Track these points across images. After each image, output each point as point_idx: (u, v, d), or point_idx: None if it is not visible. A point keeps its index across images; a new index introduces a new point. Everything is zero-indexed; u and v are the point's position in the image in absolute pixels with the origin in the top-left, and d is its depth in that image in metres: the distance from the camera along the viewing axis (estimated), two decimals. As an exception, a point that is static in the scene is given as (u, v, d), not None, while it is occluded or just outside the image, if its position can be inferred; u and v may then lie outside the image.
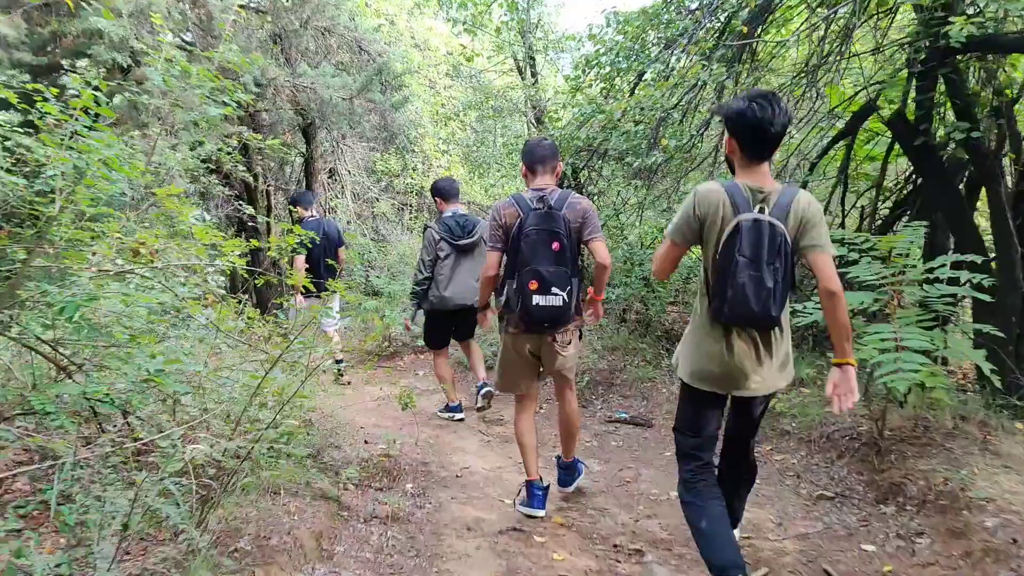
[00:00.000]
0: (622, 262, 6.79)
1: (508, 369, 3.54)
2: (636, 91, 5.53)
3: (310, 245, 3.52)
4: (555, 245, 3.14)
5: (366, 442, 4.90)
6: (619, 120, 6.09)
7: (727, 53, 4.99)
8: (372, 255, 10.27)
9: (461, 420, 5.53)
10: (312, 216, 6.42)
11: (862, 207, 5.87)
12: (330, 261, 5.86)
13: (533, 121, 8.21)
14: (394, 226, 12.19)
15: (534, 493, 3.49)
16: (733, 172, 2.52)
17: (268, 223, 10.79)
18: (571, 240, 3.19)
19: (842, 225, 5.29)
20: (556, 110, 6.71)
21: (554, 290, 3.13)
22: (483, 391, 5.37)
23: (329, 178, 12.27)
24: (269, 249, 4.00)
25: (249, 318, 4.04)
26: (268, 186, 10.29)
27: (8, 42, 6.09)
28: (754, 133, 2.36)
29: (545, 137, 3.70)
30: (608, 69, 6.41)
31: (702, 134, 5.78)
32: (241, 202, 6.47)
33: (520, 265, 3.16)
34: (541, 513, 3.46)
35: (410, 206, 12.22)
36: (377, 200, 12.36)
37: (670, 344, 6.75)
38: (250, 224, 9.14)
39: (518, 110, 8.62)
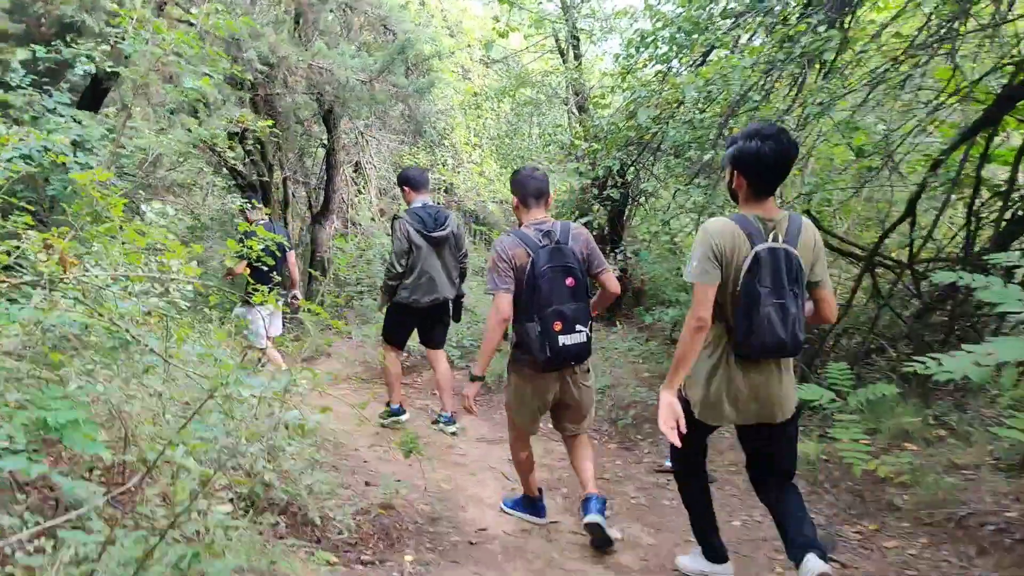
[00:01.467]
0: (672, 274, 5.92)
1: (525, 410, 3.44)
2: (703, 71, 4.63)
3: (279, 253, 2.83)
4: (569, 281, 3.12)
5: (367, 484, 4.15)
6: (676, 107, 5.22)
7: (815, 25, 4.07)
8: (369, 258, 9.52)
9: (405, 421, 5.30)
10: (263, 220, 5.99)
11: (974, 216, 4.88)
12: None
13: (575, 110, 7.39)
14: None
15: (538, 504, 3.72)
16: (737, 202, 2.58)
17: (285, 220, 10.17)
18: (583, 273, 3.19)
19: (971, 240, 4.32)
20: (603, 95, 5.85)
21: (578, 327, 3.12)
22: (450, 427, 5.19)
23: (354, 172, 11.61)
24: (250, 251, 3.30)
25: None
26: (284, 178, 9.61)
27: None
28: (768, 171, 2.44)
29: (535, 167, 3.48)
30: (665, 49, 5.54)
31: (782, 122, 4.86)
32: (238, 194, 5.75)
33: (539, 306, 3.08)
34: (544, 520, 3.62)
35: (438, 203, 11.48)
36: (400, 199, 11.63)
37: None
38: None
39: (558, 96, 7.76)
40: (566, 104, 7.68)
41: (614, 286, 3.34)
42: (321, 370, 7.05)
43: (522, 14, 7.54)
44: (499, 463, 4.74)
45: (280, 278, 5.86)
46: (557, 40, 7.76)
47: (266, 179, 8.62)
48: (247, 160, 8.66)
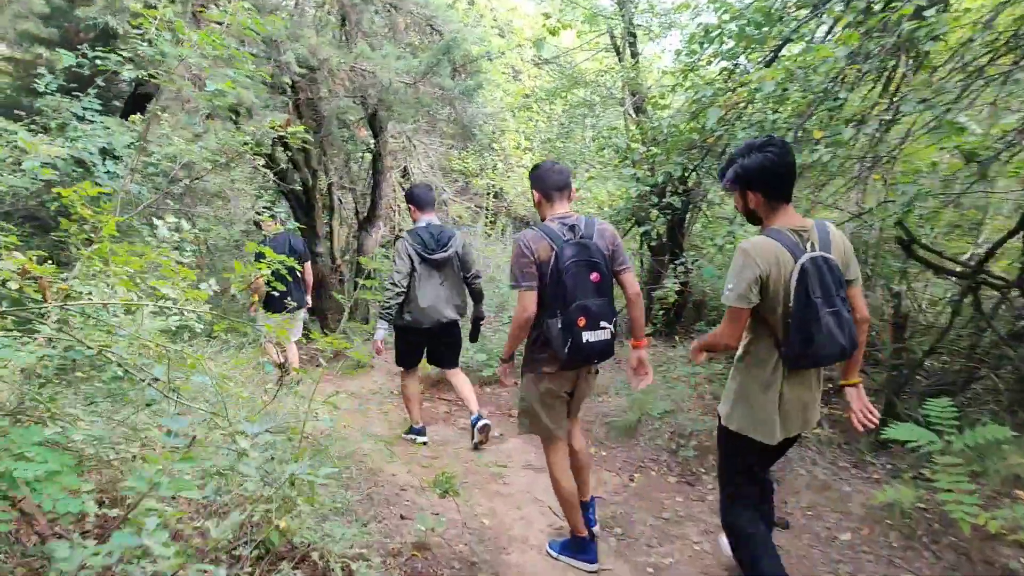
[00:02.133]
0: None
1: (546, 411, 3.30)
2: (774, 69, 4.17)
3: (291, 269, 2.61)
4: (594, 276, 3.04)
5: (402, 516, 3.86)
6: (744, 108, 4.76)
7: (921, 9, 3.57)
8: None
9: (425, 444, 5.24)
10: (277, 231, 6.33)
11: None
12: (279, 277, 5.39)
13: (631, 111, 6.98)
14: (469, 231, 11.18)
15: (589, 547, 3.45)
16: (757, 223, 2.59)
17: (330, 227, 10.04)
18: (608, 269, 3.12)
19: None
20: (663, 95, 5.43)
21: (602, 324, 3.04)
22: (479, 425, 5.12)
23: (402, 177, 11.44)
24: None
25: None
26: (330, 184, 9.46)
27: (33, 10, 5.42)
28: (778, 179, 2.46)
29: (556, 160, 3.52)
30: (732, 44, 5.09)
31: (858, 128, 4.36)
32: (282, 200, 5.60)
33: (563, 302, 3.00)
34: (595, 567, 3.37)
35: (486, 209, 11.18)
36: (452, 202, 11.41)
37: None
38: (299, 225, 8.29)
39: (613, 97, 7.35)
40: (622, 105, 7.27)
41: (634, 287, 3.25)
42: (359, 386, 6.80)
43: (575, 10, 7.18)
44: (546, 494, 4.37)
45: (291, 293, 6.02)
46: (612, 37, 7.35)
47: (310, 185, 8.46)
48: (290, 166, 8.53)
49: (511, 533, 3.88)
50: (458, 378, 5.28)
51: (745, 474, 2.76)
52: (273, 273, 5.84)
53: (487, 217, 11.53)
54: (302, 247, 6.40)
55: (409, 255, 4.73)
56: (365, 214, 10.06)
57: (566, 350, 3.00)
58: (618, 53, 7.40)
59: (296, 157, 8.44)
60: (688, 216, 6.77)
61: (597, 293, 3.03)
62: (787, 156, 2.44)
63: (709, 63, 5.08)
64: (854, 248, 2.75)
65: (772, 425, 2.55)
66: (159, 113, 4.18)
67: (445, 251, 4.82)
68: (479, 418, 5.13)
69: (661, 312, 6.72)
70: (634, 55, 7.10)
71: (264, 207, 6.55)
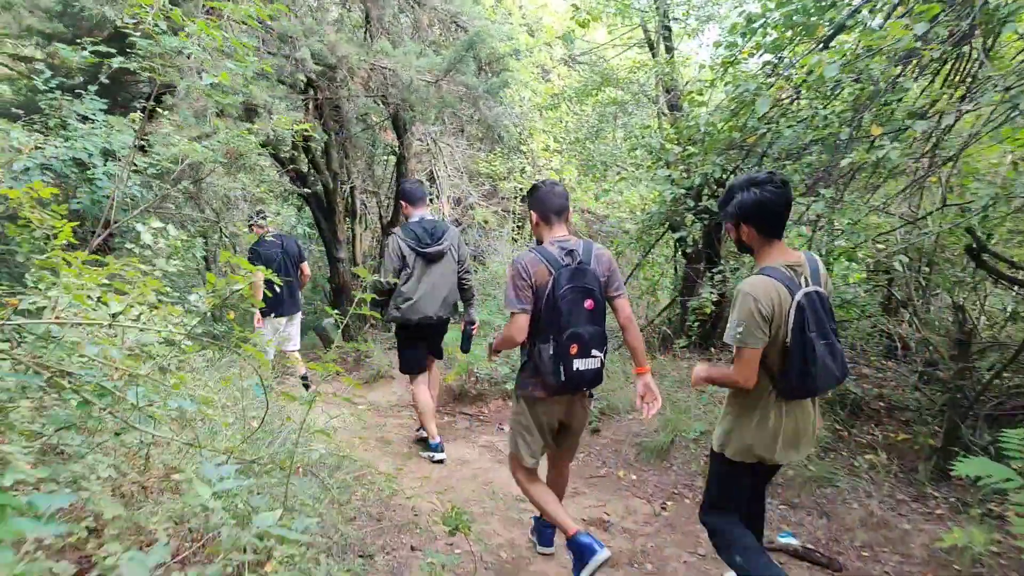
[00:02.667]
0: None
1: (532, 436, 3.28)
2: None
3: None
4: (588, 303, 3.03)
5: (413, 548, 3.58)
6: (790, 103, 4.39)
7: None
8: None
9: (441, 462, 5.05)
10: (270, 233, 6.25)
11: None
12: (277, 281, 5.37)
13: (665, 109, 6.60)
14: (495, 236, 10.89)
15: (585, 543, 3.16)
16: (748, 252, 2.66)
17: (353, 232, 9.83)
18: (603, 296, 3.12)
19: None
20: (701, 90, 5.05)
21: (593, 352, 3.04)
22: (436, 456, 5.03)
23: (429, 181, 11.20)
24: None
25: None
26: (352, 187, 9.25)
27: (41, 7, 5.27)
28: (774, 216, 2.53)
29: (557, 182, 3.31)
30: (776, 36, 4.71)
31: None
32: (263, 206, 5.40)
33: (557, 328, 2.99)
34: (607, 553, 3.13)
35: (514, 213, 10.87)
36: (479, 206, 11.13)
37: (863, 423, 4.93)
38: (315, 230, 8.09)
39: (646, 95, 6.97)
40: (655, 104, 6.91)
41: (627, 312, 3.22)
42: (379, 396, 6.52)
43: (607, 2, 6.83)
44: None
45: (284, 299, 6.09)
46: (646, 31, 6.98)
47: (331, 188, 8.25)
48: (310, 169, 8.35)
49: (531, 569, 3.56)
50: (433, 376, 5.24)
51: (735, 499, 2.84)
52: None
53: (514, 222, 11.22)
54: (296, 248, 6.40)
55: (401, 252, 4.70)
56: (389, 218, 9.85)
57: (559, 377, 2.99)
58: (652, 48, 7.02)
59: (317, 160, 8.26)
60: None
61: (591, 321, 3.04)
62: (786, 194, 2.51)
63: (751, 56, 4.70)
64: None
65: (769, 450, 2.64)
66: (159, 110, 3.95)
67: (440, 244, 4.78)
68: (439, 447, 5.06)
69: (696, 323, 6.34)
70: (669, 50, 6.71)
71: (258, 211, 6.36)
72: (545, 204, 3.14)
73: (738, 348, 2.49)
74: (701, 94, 5.07)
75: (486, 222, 11.37)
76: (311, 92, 6.98)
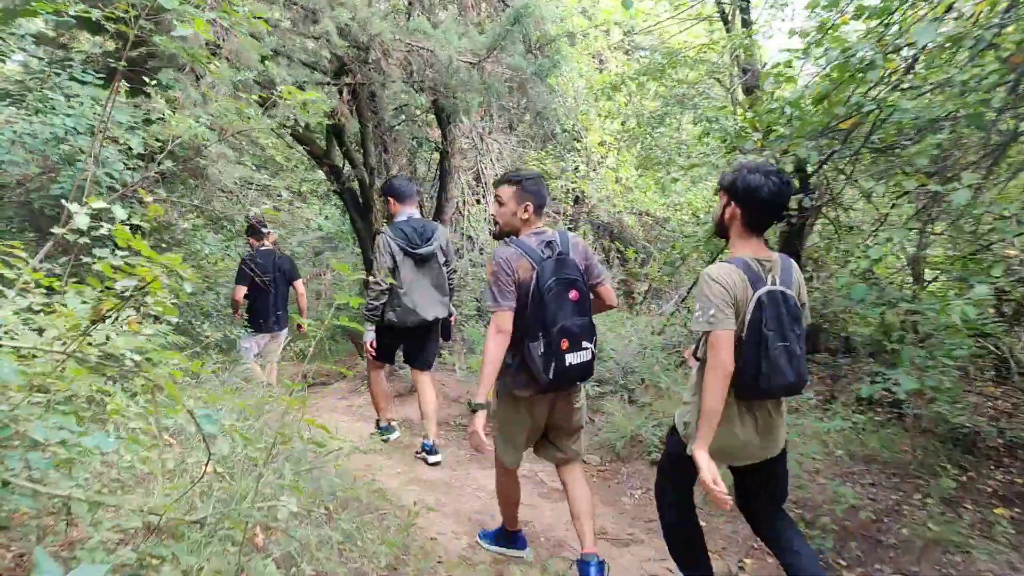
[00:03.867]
0: (874, 313, 4.20)
1: (519, 438, 3.19)
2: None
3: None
4: (573, 294, 2.97)
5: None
6: (905, 75, 3.61)
7: None
8: (483, 289, 8.34)
9: (395, 439, 5.23)
10: (264, 246, 6.18)
11: None
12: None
13: (740, 93, 5.81)
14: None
15: (519, 537, 3.52)
16: (724, 237, 2.62)
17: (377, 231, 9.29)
18: (585, 285, 3.07)
19: None
20: (789, 62, 4.26)
21: (584, 344, 3.00)
22: (432, 457, 4.93)
23: (475, 181, 10.61)
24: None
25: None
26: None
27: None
28: (768, 210, 2.49)
29: (536, 172, 3.20)
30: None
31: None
32: (259, 208, 4.93)
33: (544, 324, 2.90)
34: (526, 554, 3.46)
35: (564, 215, 10.19)
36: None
37: (980, 463, 4.08)
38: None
39: (719, 74, 6.14)
40: (728, 88, 6.12)
41: (612, 299, 3.27)
42: (412, 413, 5.88)
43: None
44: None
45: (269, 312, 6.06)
46: (720, 2, 6.17)
47: (367, 184, 7.71)
48: (344, 162, 7.84)
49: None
50: (426, 386, 5.03)
51: (686, 491, 2.83)
52: (253, 290, 5.68)
53: (566, 223, 10.53)
54: (289, 265, 6.43)
55: (391, 251, 4.60)
56: (430, 218, 9.29)
57: (550, 374, 2.90)
58: (726, 22, 6.22)
59: (352, 154, 7.74)
60: (809, 220, 5.56)
61: (578, 312, 2.98)
62: (785, 192, 2.46)
63: (858, 16, 3.90)
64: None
65: (733, 451, 2.59)
66: (146, 82, 3.42)
67: (429, 245, 4.71)
68: (434, 449, 4.95)
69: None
70: (746, 23, 5.90)
71: (258, 221, 6.19)
72: (540, 194, 3.06)
73: (710, 333, 2.40)
74: (790, 65, 4.29)
75: (535, 224, 10.70)
76: (345, 78, 6.45)
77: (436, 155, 9.32)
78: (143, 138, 3.31)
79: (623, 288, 10.58)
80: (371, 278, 4.68)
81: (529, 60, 5.88)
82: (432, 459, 4.92)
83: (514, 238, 3.03)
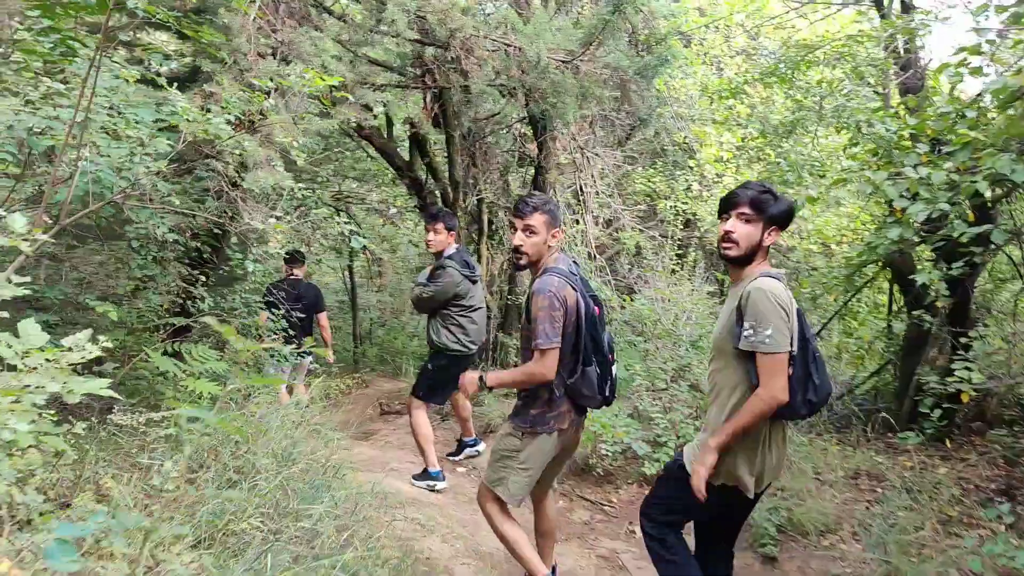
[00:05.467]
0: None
1: (532, 475, 3.08)
2: None
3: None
4: (597, 309, 3.04)
5: None
6: None
7: None
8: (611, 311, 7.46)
9: (442, 491, 4.90)
10: (293, 275, 6.22)
11: None
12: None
13: (894, 94, 4.71)
14: (648, 265, 9.24)
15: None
16: (737, 264, 2.55)
17: (478, 252, 8.65)
18: None
19: None
20: (976, 48, 3.20)
21: (613, 357, 3.12)
22: (475, 449, 5.43)
23: (575, 199, 9.83)
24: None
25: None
26: (479, 200, 8.05)
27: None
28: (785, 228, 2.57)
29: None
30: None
31: None
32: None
33: (598, 345, 2.98)
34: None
35: (672, 238, 9.19)
36: (632, 228, 9.55)
37: None
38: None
39: (869, 72, 5.02)
40: (880, 89, 5.00)
41: None
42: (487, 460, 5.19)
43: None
44: None
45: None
46: (872, -18, 5.05)
47: (451, 200, 7.12)
48: (427, 174, 7.29)
49: None
50: (461, 398, 5.31)
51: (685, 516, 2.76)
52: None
53: (673, 249, 9.54)
54: (314, 298, 6.40)
55: (459, 283, 4.70)
56: (521, 238, 8.59)
57: (607, 392, 3.02)
58: (880, 7, 5.08)
59: (436, 166, 7.18)
60: (981, 267, 4.40)
61: (603, 326, 3.07)
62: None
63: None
64: None
65: (767, 476, 2.53)
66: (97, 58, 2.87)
67: (477, 271, 4.90)
68: (476, 441, 5.46)
69: (934, 407, 4.40)
70: (907, 8, 4.75)
71: (296, 250, 6.29)
72: (560, 218, 3.05)
73: (769, 355, 2.33)
74: (978, 52, 3.24)
75: (639, 247, 9.75)
76: (428, 79, 5.88)
77: (531, 170, 8.65)
78: (148, 133, 2.77)
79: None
80: (422, 291, 4.74)
81: (632, 58, 5.06)
82: (475, 450, 5.47)
83: (553, 267, 2.96)
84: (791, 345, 2.35)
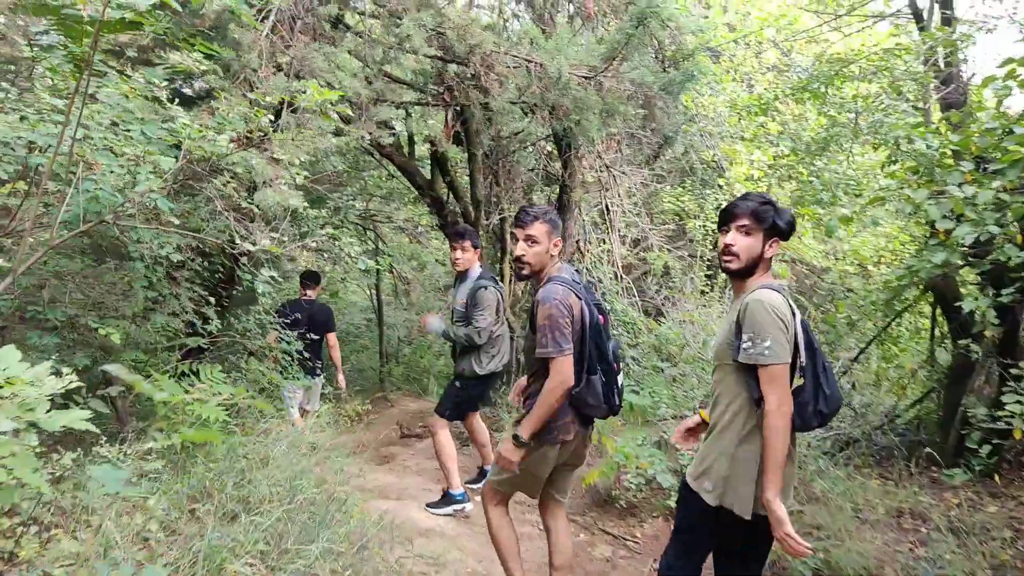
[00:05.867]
0: None
1: (537, 483, 3.14)
2: None
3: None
4: (602, 319, 3.04)
5: None
6: None
7: None
8: (627, 337, 7.23)
9: (470, 511, 4.76)
10: (306, 296, 6.30)
11: None
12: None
13: (935, 109, 4.46)
14: (676, 286, 9.01)
15: None
16: (737, 276, 2.52)
17: (501, 272, 8.51)
18: None
19: None
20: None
21: (620, 366, 3.11)
22: (467, 507, 4.85)
23: (600, 219, 9.65)
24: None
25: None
26: (503, 219, 7.92)
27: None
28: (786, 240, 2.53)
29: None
30: None
31: None
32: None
33: (602, 353, 2.96)
34: None
35: (703, 259, 8.97)
36: (659, 248, 9.33)
37: None
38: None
39: (912, 82, 4.76)
40: (920, 104, 4.75)
41: None
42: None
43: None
44: None
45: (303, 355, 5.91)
46: (912, -7, 4.80)
47: (472, 219, 7.00)
48: (447, 193, 7.18)
49: None
50: (479, 421, 5.18)
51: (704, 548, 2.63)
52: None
53: (703, 270, 9.30)
54: (324, 318, 6.41)
55: (498, 303, 4.69)
56: (545, 258, 8.43)
57: (614, 400, 3.02)
58: (919, 20, 4.86)
59: (457, 184, 7.08)
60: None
61: (608, 335, 3.05)
62: None
63: None
64: None
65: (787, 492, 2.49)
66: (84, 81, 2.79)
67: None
68: (465, 496, 4.92)
69: (982, 442, 4.12)
70: (947, 21, 4.52)
71: (314, 272, 6.39)
72: (560, 227, 3.10)
73: (768, 367, 2.30)
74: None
75: (668, 267, 9.53)
76: (449, 96, 5.78)
77: (556, 188, 8.50)
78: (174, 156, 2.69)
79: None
80: (478, 330, 4.58)
81: (657, 74, 4.90)
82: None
83: (556, 276, 2.98)
84: (799, 356, 2.35)
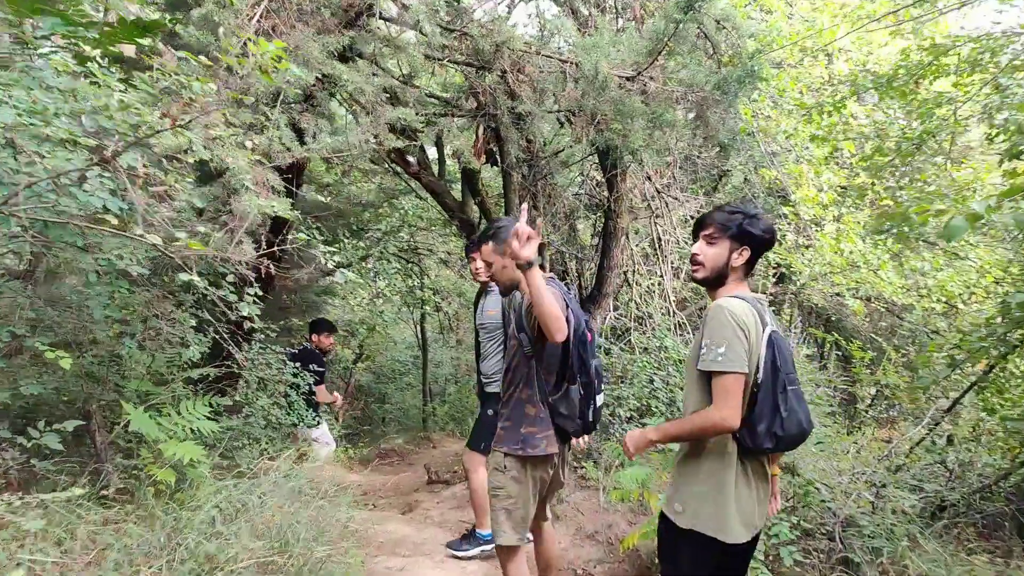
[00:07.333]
0: None
1: (528, 506, 3.10)
2: None
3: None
4: (589, 336, 3.06)
5: None
6: None
7: None
8: (678, 377, 6.53)
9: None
10: (313, 344, 6.57)
11: None
12: None
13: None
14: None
15: None
16: (718, 285, 2.48)
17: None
18: None
19: None
20: None
21: (602, 385, 3.16)
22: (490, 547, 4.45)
23: (651, 248, 9.01)
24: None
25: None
26: (541, 245, 7.39)
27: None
28: (764, 250, 2.50)
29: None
30: None
31: None
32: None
33: (584, 365, 2.99)
34: None
35: (766, 293, 8.22)
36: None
37: None
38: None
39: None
40: None
41: None
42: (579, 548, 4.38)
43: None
44: None
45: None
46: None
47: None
48: (477, 213, 6.68)
49: None
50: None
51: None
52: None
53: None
54: (315, 366, 6.34)
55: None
56: (589, 290, 7.82)
57: (589, 416, 3.04)
58: None
59: (489, 207, 6.58)
60: None
61: (593, 353, 3.06)
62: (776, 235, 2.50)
63: None
64: None
65: (748, 520, 2.40)
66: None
67: None
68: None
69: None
70: None
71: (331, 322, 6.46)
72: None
73: (720, 375, 2.26)
74: None
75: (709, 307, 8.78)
76: (473, 102, 5.33)
77: (600, 214, 7.93)
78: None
79: (842, 395, 8.27)
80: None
81: (710, 76, 4.31)
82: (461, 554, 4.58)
83: (550, 278, 3.03)
84: (755, 369, 2.29)
